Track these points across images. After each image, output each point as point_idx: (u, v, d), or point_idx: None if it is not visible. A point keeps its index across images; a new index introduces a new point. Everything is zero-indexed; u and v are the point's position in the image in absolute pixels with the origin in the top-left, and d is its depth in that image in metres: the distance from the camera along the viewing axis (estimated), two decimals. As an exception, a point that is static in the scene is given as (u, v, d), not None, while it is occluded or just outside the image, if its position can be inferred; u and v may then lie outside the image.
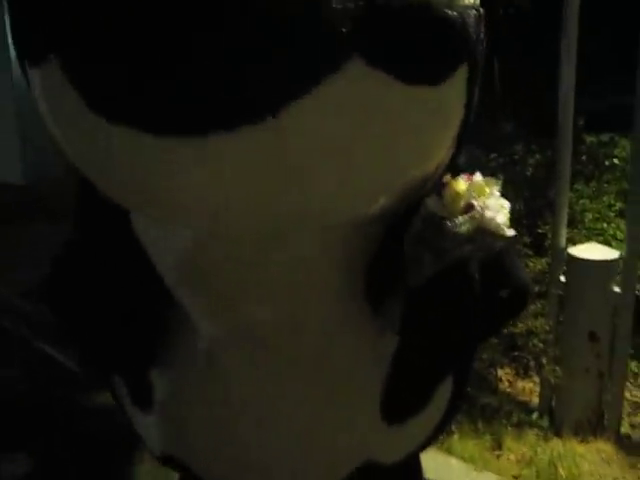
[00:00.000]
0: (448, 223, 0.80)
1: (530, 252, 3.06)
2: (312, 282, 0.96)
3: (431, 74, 0.81)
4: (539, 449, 2.39)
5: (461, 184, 0.82)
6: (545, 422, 2.58)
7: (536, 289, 2.70)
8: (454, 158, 0.93)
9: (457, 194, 0.82)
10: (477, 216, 0.80)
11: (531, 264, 2.94)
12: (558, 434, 2.49)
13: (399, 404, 1.04)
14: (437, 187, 0.89)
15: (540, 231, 3.26)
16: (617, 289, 2.40)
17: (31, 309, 3.96)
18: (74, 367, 3.07)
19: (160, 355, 1.09)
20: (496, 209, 0.81)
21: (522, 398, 2.78)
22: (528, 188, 3.68)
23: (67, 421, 2.79)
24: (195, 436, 1.10)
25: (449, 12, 0.79)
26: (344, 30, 0.69)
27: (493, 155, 3.80)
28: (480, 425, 2.53)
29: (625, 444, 2.45)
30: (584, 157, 4.19)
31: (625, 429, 2.55)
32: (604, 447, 2.40)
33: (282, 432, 1.04)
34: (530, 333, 2.70)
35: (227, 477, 1.12)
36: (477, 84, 0.91)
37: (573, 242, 2.82)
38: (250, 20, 0.66)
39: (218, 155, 0.72)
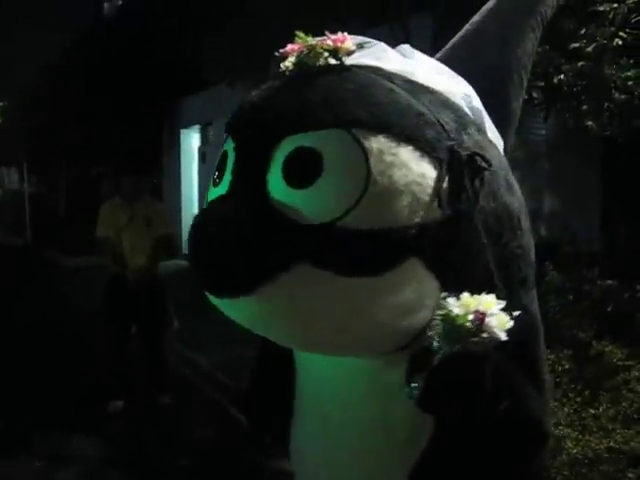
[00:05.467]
0: (459, 320, 1.03)
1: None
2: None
3: (370, 270, 1.02)
4: None
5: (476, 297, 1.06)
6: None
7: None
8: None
9: (471, 302, 1.05)
10: (481, 317, 1.04)
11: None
12: None
13: None
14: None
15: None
16: None
17: (228, 382, 4.74)
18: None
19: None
20: (495, 319, 1.04)
21: (645, 513, 2.92)
22: None
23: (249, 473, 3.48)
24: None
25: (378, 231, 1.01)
26: (290, 245, 1.00)
27: None
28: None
29: None
30: None
31: None
32: None
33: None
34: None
35: None
36: (450, 261, 1.08)
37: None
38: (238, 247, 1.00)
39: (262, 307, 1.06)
